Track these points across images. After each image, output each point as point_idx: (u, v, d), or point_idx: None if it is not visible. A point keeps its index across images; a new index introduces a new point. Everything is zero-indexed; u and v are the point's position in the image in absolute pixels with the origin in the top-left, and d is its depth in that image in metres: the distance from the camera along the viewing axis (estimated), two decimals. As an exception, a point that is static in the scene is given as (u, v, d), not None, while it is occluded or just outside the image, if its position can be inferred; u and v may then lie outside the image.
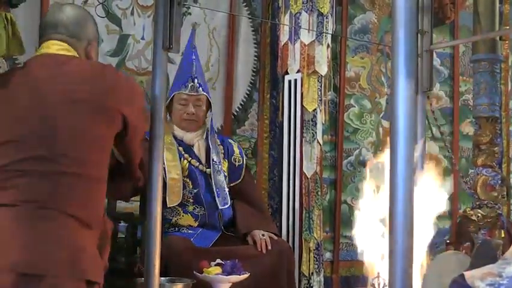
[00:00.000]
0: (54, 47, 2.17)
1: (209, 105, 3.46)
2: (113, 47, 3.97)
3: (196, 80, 3.36)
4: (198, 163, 3.35)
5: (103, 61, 3.92)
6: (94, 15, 3.56)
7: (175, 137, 3.38)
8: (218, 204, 3.29)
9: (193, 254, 3.04)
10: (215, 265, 2.96)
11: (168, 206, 3.17)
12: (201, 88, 3.38)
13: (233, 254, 3.09)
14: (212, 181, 3.33)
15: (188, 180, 3.31)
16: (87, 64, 2.17)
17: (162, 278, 2.62)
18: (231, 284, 2.93)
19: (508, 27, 4.80)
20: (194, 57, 3.42)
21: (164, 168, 3.16)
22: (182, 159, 3.33)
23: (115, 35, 3.98)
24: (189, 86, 3.35)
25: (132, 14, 4.04)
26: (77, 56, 2.17)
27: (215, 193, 3.31)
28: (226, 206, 3.33)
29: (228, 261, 2.95)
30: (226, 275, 2.90)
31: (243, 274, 2.93)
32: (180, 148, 3.37)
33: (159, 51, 2.36)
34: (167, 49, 2.35)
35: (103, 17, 3.78)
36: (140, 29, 4.04)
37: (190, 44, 3.49)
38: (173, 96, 3.38)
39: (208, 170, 3.35)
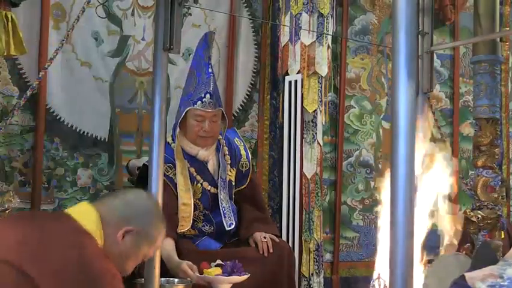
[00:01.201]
0: (79, 208, 1.85)
1: (223, 118, 3.33)
2: (114, 48, 3.97)
3: (214, 97, 3.20)
4: (210, 186, 3.27)
5: (103, 62, 3.93)
6: (94, 16, 3.63)
7: (185, 154, 3.24)
8: (225, 226, 3.26)
9: (195, 255, 3.04)
10: (215, 266, 2.95)
11: (178, 231, 3.15)
12: (217, 103, 3.24)
13: (234, 256, 3.09)
14: (218, 200, 3.28)
15: (200, 203, 3.25)
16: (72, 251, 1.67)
17: (162, 279, 2.62)
18: (231, 284, 2.92)
19: (508, 29, 4.80)
20: (211, 70, 3.25)
21: (176, 193, 3.16)
22: (195, 182, 3.24)
23: (115, 36, 3.98)
24: (207, 102, 3.18)
25: (133, 14, 4.04)
26: (95, 234, 1.77)
27: (221, 213, 3.26)
28: (232, 227, 3.29)
29: (228, 262, 2.94)
30: (227, 276, 2.89)
31: (243, 275, 2.92)
32: (192, 169, 3.25)
33: (160, 52, 2.37)
34: (168, 50, 2.36)
35: (104, 18, 3.80)
36: (140, 30, 4.04)
37: (203, 52, 3.30)
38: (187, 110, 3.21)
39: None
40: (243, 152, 3.43)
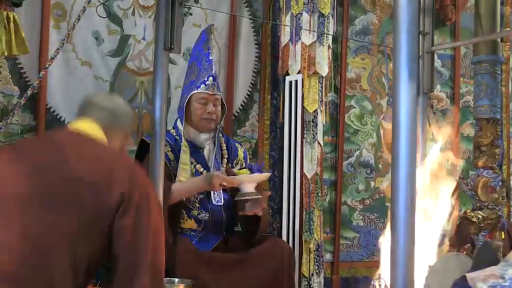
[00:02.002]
0: (87, 124, 2.08)
1: (222, 106, 3.44)
2: (114, 47, 3.96)
3: (216, 80, 3.35)
4: (203, 169, 3.32)
5: (103, 61, 3.93)
6: (95, 16, 3.64)
7: (185, 139, 3.32)
8: (213, 200, 3.28)
9: (192, 257, 3.03)
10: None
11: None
12: (218, 88, 3.39)
13: (234, 258, 3.10)
14: None
15: None
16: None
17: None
18: (256, 184, 3.19)
19: (509, 29, 4.80)
20: (211, 57, 3.40)
21: (176, 168, 3.24)
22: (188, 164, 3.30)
23: (116, 35, 3.97)
24: (210, 84, 3.31)
25: (133, 14, 4.04)
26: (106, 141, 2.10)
27: (212, 191, 3.29)
28: (220, 203, 3.31)
29: (253, 164, 3.28)
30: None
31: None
32: None
33: (160, 52, 2.37)
34: (169, 49, 2.36)
35: (104, 17, 3.79)
36: (141, 29, 4.04)
37: (202, 46, 3.42)
38: (189, 97, 3.33)
39: None
40: (240, 154, 3.52)
